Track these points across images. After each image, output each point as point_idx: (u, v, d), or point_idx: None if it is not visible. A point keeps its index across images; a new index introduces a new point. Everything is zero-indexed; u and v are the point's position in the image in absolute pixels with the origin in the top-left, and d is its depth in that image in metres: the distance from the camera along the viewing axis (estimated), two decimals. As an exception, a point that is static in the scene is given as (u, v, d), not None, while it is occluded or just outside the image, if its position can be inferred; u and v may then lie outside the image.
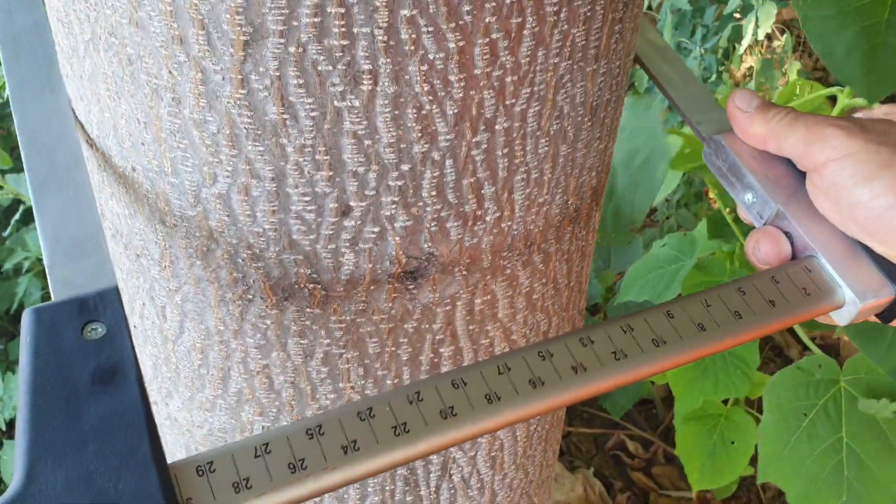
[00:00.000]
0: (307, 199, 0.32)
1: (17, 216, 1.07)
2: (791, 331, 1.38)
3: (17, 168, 1.17)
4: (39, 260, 1.11)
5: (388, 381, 0.39)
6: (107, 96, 0.33)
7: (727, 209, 1.05)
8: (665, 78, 0.44)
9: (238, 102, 0.30)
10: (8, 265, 1.09)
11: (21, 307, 1.11)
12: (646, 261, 1.11)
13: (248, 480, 0.25)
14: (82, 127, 0.37)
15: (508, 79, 0.32)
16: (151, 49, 0.30)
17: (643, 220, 1.06)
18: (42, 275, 1.12)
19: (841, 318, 0.37)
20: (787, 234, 0.39)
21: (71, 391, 0.24)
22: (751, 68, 1.74)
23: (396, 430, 0.28)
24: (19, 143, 0.33)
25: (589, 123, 0.37)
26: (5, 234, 1.10)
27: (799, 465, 0.79)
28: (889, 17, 0.62)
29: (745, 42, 1.67)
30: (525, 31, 0.31)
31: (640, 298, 1.08)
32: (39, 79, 0.36)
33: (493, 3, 0.30)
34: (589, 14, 0.33)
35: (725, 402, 1.09)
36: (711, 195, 1.05)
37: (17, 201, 1.12)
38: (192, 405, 0.41)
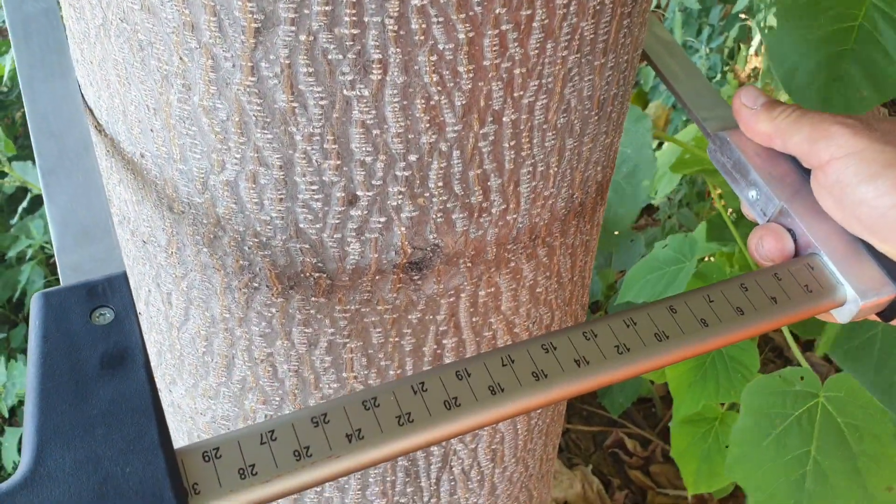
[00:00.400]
0: (314, 187, 0.32)
1: (24, 204, 1.07)
2: (793, 335, 1.38)
3: (22, 156, 1.17)
4: (43, 248, 1.11)
5: (392, 372, 0.39)
6: (117, 82, 0.33)
7: (729, 211, 1.05)
8: (671, 74, 0.44)
9: (248, 90, 0.30)
10: (11, 253, 1.09)
11: (24, 295, 1.11)
12: (646, 261, 1.11)
13: (254, 467, 0.25)
14: (91, 112, 0.37)
15: (517, 71, 0.32)
16: (162, 35, 0.30)
17: (628, 227, 1.07)
18: (45, 263, 1.13)
19: (842, 315, 0.38)
20: (790, 231, 0.39)
21: (79, 375, 0.24)
22: (756, 69, 1.73)
23: (400, 419, 0.28)
24: (29, 128, 0.33)
25: (596, 117, 0.37)
26: (13, 221, 1.10)
27: (763, 470, 0.79)
28: (853, 47, 0.61)
29: (755, 43, 1.67)
30: (534, 23, 0.31)
31: (640, 299, 1.09)
32: (50, 63, 0.36)
33: (504, -5, 0.30)
34: (598, 7, 0.33)
35: (722, 404, 1.10)
36: (714, 195, 1.06)
37: (22, 189, 1.13)
38: (196, 392, 0.41)
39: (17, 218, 1.08)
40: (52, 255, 1.20)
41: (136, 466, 0.23)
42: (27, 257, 1.10)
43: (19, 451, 0.96)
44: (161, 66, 0.31)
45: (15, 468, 0.97)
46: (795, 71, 0.63)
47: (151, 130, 0.33)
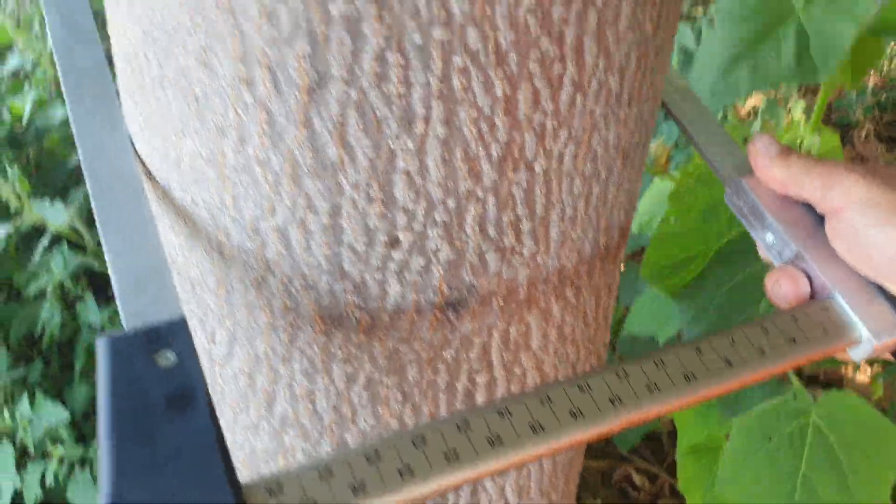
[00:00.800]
0: (360, 231, 0.34)
1: (45, 243, 1.08)
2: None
3: (39, 193, 1.19)
4: (62, 285, 1.12)
5: (425, 408, 0.40)
6: (171, 133, 0.35)
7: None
8: (687, 120, 0.46)
9: (301, 144, 0.32)
10: (32, 289, 1.10)
11: (43, 332, 1.12)
12: (651, 293, 1.12)
13: (315, 503, 0.26)
14: (142, 162, 0.39)
15: (549, 123, 0.34)
16: (218, 90, 0.32)
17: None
18: (61, 299, 1.14)
19: (857, 354, 0.39)
20: (806, 273, 0.40)
21: (147, 417, 0.26)
22: (755, 107, 1.77)
23: (448, 456, 0.29)
24: (85, 180, 0.34)
25: (620, 165, 0.39)
26: (35, 260, 1.12)
27: (755, 488, 0.80)
28: (756, 49, 0.67)
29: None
30: (565, 79, 0.33)
31: (644, 331, 1.09)
32: (101, 113, 0.37)
33: (538, 53, 0.32)
34: (624, 63, 0.35)
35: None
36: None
37: (38, 228, 1.14)
38: (236, 427, 0.42)
39: (38, 256, 1.09)
40: (68, 292, 1.22)
41: (206, 502, 0.24)
42: (48, 293, 1.11)
43: (41, 485, 0.97)
44: (216, 118, 0.33)
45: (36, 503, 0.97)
46: (707, 57, 0.69)
47: (205, 179, 0.35)
